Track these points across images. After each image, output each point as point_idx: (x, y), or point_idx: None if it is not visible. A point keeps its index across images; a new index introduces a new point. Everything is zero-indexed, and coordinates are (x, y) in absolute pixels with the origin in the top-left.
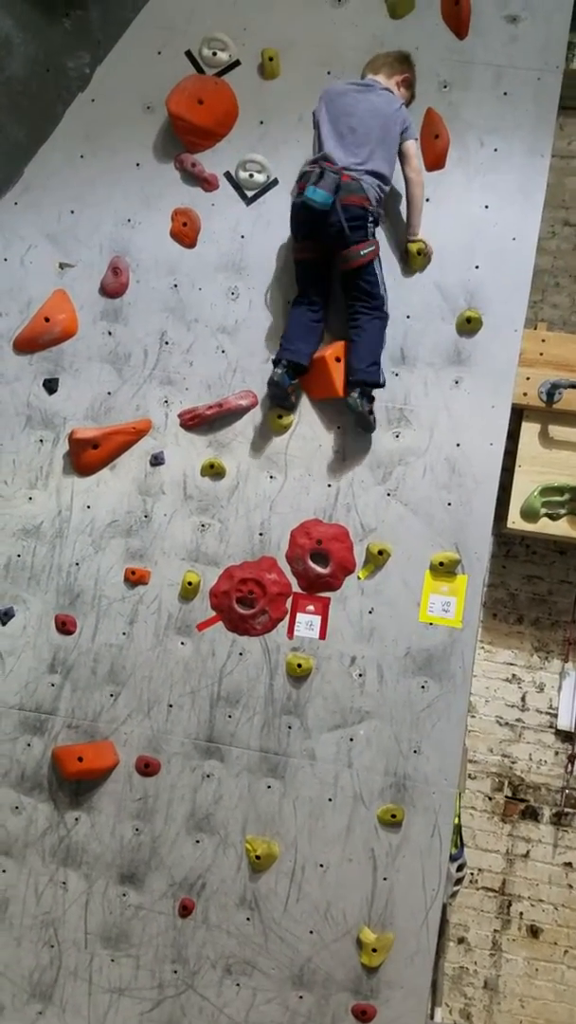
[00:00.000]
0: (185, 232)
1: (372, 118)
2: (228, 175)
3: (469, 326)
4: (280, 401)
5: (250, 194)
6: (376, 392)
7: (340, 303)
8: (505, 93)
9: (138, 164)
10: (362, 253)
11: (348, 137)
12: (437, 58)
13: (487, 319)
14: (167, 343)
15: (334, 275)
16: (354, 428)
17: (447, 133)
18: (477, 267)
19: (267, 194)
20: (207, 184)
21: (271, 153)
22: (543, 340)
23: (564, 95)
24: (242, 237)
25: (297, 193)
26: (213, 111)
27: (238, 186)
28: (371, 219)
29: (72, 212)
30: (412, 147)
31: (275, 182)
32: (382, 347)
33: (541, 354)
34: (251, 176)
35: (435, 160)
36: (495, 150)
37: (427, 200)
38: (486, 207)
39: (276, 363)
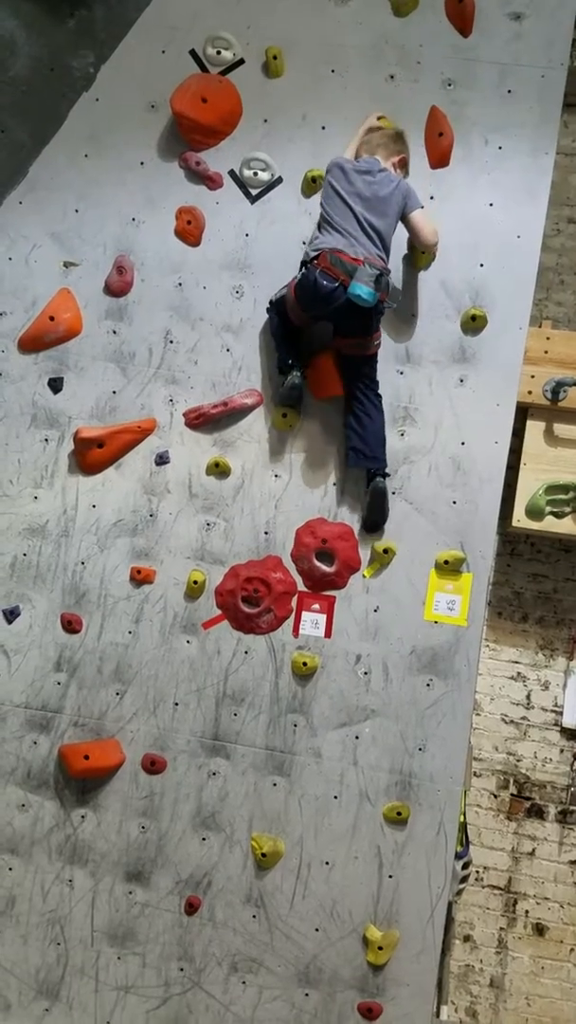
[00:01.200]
0: (189, 231)
1: (381, 204)
2: (232, 173)
3: (474, 324)
4: (294, 403)
5: (254, 192)
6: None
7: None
8: (509, 91)
9: (142, 163)
10: (376, 343)
11: (364, 225)
12: (441, 56)
13: (492, 317)
14: (172, 342)
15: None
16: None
17: (451, 131)
18: (482, 265)
19: (271, 192)
20: (211, 182)
21: (275, 151)
22: (548, 338)
23: (568, 92)
24: (246, 235)
25: (323, 273)
26: (217, 109)
27: (242, 184)
28: (385, 308)
29: (76, 211)
30: (419, 217)
31: (279, 180)
32: (384, 428)
33: (546, 352)
34: (255, 174)
35: (439, 158)
36: (499, 148)
37: (431, 198)
38: (491, 205)
39: (291, 367)
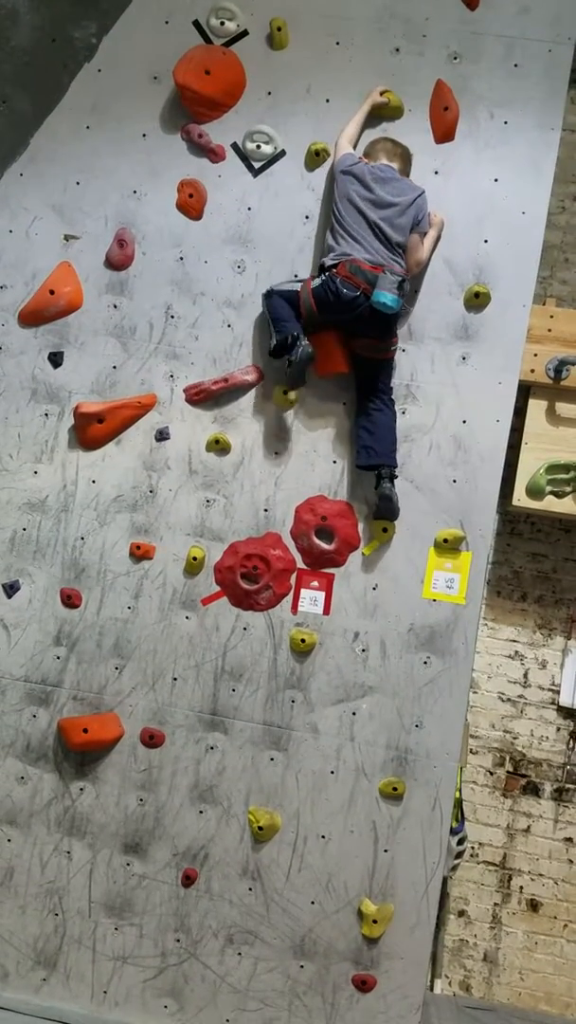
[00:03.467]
0: (191, 204)
1: (397, 213)
2: (235, 146)
3: (477, 301)
4: (298, 381)
5: (257, 165)
6: None
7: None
8: (516, 65)
9: (144, 135)
10: (393, 347)
11: (380, 232)
12: (448, 29)
13: (495, 294)
14: (173, 317)
15: (350, 360)
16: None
17: (456, 105)
18: (486, 241)
19: (274, 166)
20: (214, 155)
21: (279, 124)
22: (551, 316)
23: (575, 68)
24: (249, 209)
25: (344, 282)
26: (220, 81)
27: (245, 157)
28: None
29: (78, 183)
30: (416, 242)
31: (282, 153)
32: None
33: (549, 330)
34: (258, 147)
35: (444, 133)
36: (505, 123)
37: (436, 173)
38: (495, 181)
39: (290, 345)
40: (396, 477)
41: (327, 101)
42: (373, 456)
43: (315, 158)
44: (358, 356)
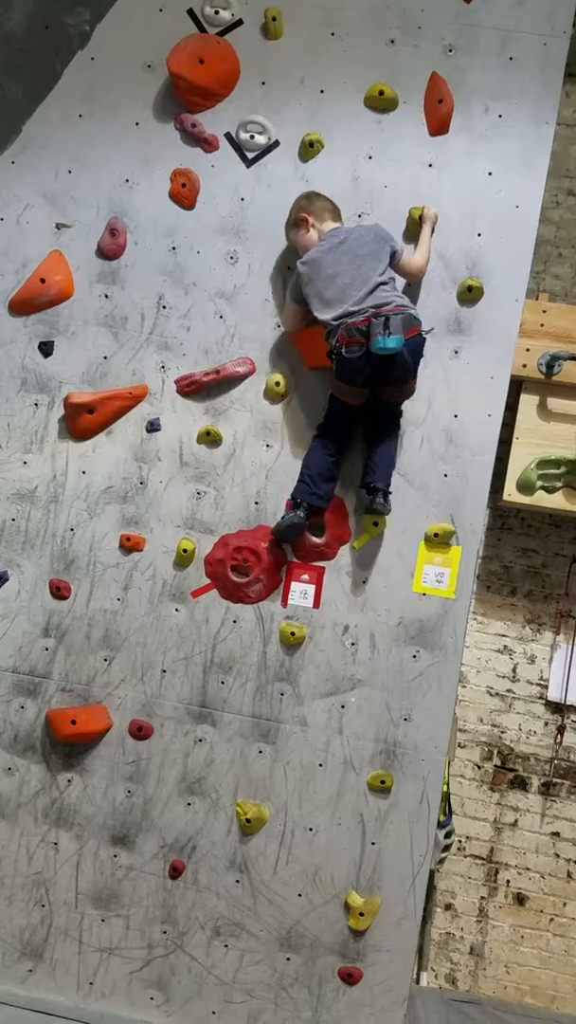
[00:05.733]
0: (184, 193)
1: (368, 259)
2: (229, 136)
3: (470, 295)
4: (288, 538)
5: (251, 156)
6: None
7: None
8: (511, 58)
9: (137, 124)
10: (414, 386)
11: (351, 288)
12: (442, 21)
13: (488, 288)
14: (164, 307)
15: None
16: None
17: (451, 98)
18: (479, 235)
19: (268, 156)
20: (207, 145)
21: (273, 115)
22: (544, 311)
23: (571, 61)
24: (242, 200)
25: (347, 348)
26: (214, 71)
27: (239, 147)
28: (424, 339)
29: (70, 172)
30: (407, 257)
31: (276, 144)
32: (396, 452)
33: (542, 325)
34: (252, 138)
35: (438, 125)
36: (499, 116)
37: (430, 166)
38: (489, 174)
39: (296, 504)
40: (390, 494)
41: (321, 92)
42: (371, 476)
43: (309, 149)
44: (379, 400)
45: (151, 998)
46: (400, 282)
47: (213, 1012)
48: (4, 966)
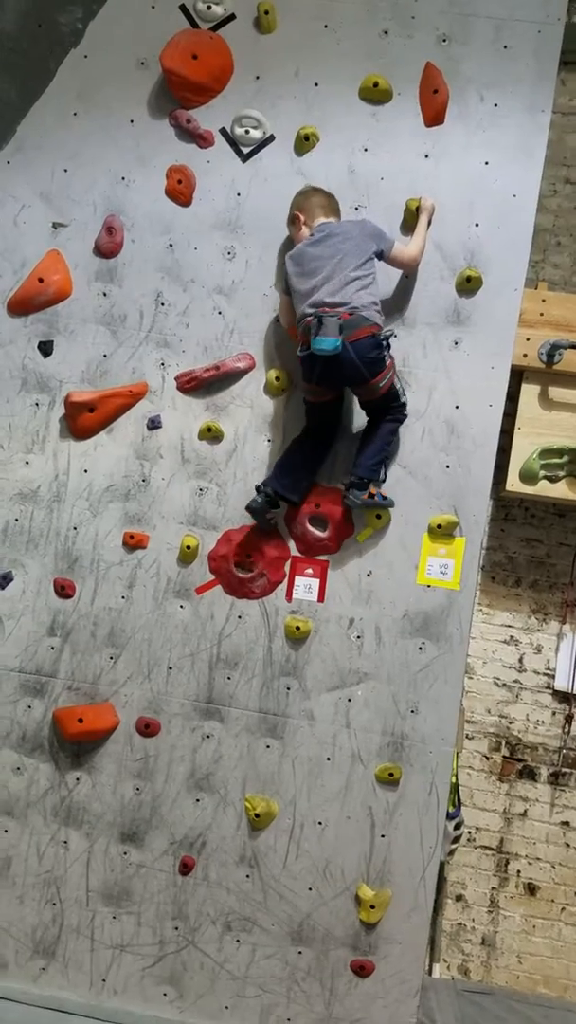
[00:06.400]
0: (180, 190)
1: (347, 256)
2: (224, 131)
3: (469, 285)
4: (261, 525)
5: (246, 151)
6: None
7: (344, 446)
8: (505, 47)
9: (132, 121)
10: (381, 384)
11: (328, 280)
12: (436, 10)
13: (487, 278)
14: (163, 304)
15: (347, 407)
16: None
17: (446, 88)
18: (477, 225)
19: (263, 150)
20: (202, 141)
21: (267, 109)
22: (543, 300)
23: (565, 49)
24: (238, 195)
25: (300, 347)
26: (208, 66)
27: (234, 143)
28: (383, 341)
29: (65, 171)
30: (398, 248)
31: (271, 138)
32: (390, 445)
33: (541, 314)
34: (247, 132)
35: (434, 116)
36: (495, 105)
37: (426, 156)
38: (486, 163)
39: (259, 489)
40: (367, 486)
41: (316, 85)
42: (353, 470)
43: (304, 143)
44: (361, 401)
45: (164, 994)
46: (395, 274)
47: (226, 1007)
48: (17, 965)
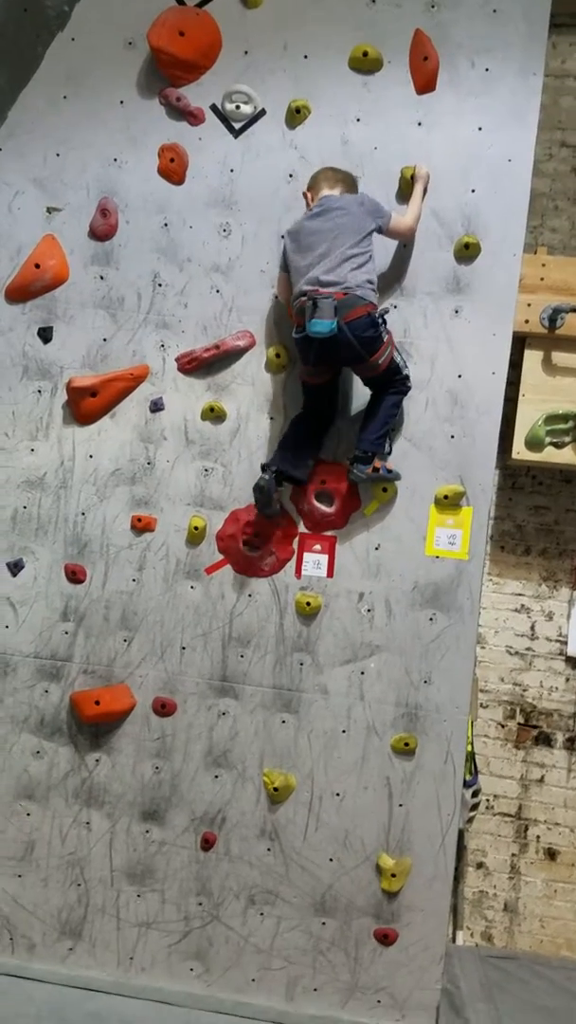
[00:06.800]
0: (173, 168)
1: (344, 232)
2: (214, 108)
3: (467, 252)
4: (264, 506)
5: (237, 126)
6: None
7: (346, 423)
8: (495, 11)
9: (122, 102)
10: (380, 361)
11: (325, 257)
12: None
13: (485, 244)
14: (160, 285)
15: (346, 384)
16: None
17: (436, 55)
18: (473, 191)
19: (255, 125)
20: (193, 118)
21: (257, 83)
22: (543, 265)
23: (555, 12)
24: (231, 171)
25: (295, 328)
26: (196, 43)
27: (225, 119)
28: (379, 319)
29: (57, 155)
30: (395, 219)
31: (262, 113)
32: (394, 418)
33: (542, 279)
34: (237, 108)
35: (425, 83)
36: (486, 70)
37: (419, 124)
38: (479, 129)
39: (264, 468)
40: (371, 460)
41: (305, 57)
42: (356, 444)
43: (296, 115)
44: (363, 378)
45: (191, 969)
46: (392, 244)
47: (253, 979)
48: (45, 946)
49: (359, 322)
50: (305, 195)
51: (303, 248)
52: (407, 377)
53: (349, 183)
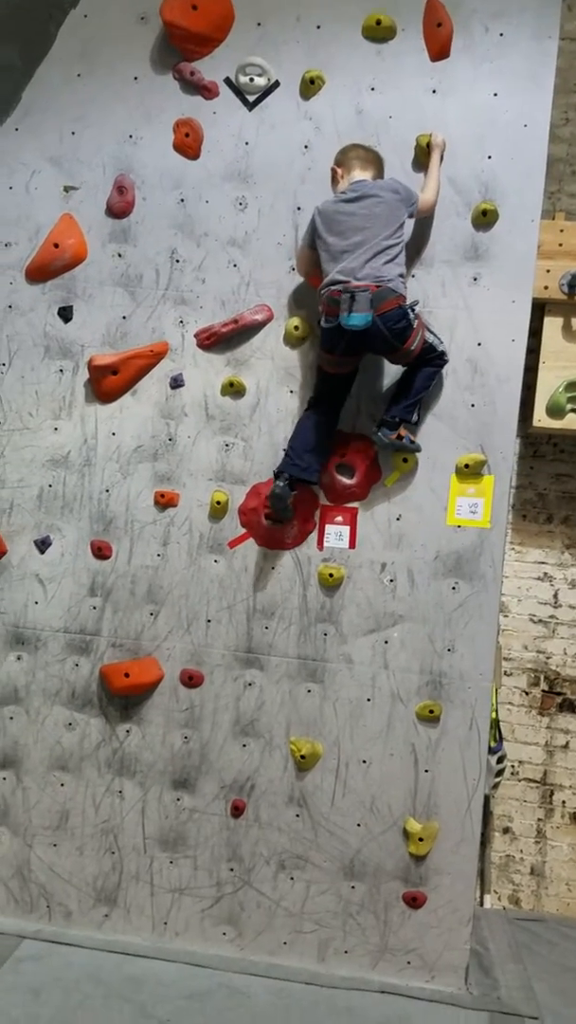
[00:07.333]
0: (188, 143)
1: (378, 220)
2: (228, 81)
3: (485, 219)
4: (280, 512)
5: (251, 99)
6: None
7: (370, 399)
8: None
9: (136, 78)
10: (413, 348)
11: (360, 247)
12: None
13: (503, 211)
14: (178, 261)
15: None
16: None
17: (450, 20)
18: (490, 157)
19: (269, 97)
20: (207, 92)
21: (271, 55)
22: (561, 230)
23: None
24: (246, 144)
25: (325, 318)
26: (208, 16)
27: (239, 91)
28: (410, 309)
29: (73, 133)
30: (421, 200)
31: (276, 84)
32: (427, 390)
33: (560, 245)
34: (251, 80)
35: (439, 50)
36: (501, 35)
37: (433, 92)
38: (495, 95)
39: (278, 475)
40: (397, 426)
41: (318, 27)
42: (385, 410)
43: (310, 86)
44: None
45: (223, 933)
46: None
47: (284, 943)
48: (81, 913)
49: (391, 314)
50: (334, 170)
51: (335, 232)
52: (443, 353)
53: (379, 165)
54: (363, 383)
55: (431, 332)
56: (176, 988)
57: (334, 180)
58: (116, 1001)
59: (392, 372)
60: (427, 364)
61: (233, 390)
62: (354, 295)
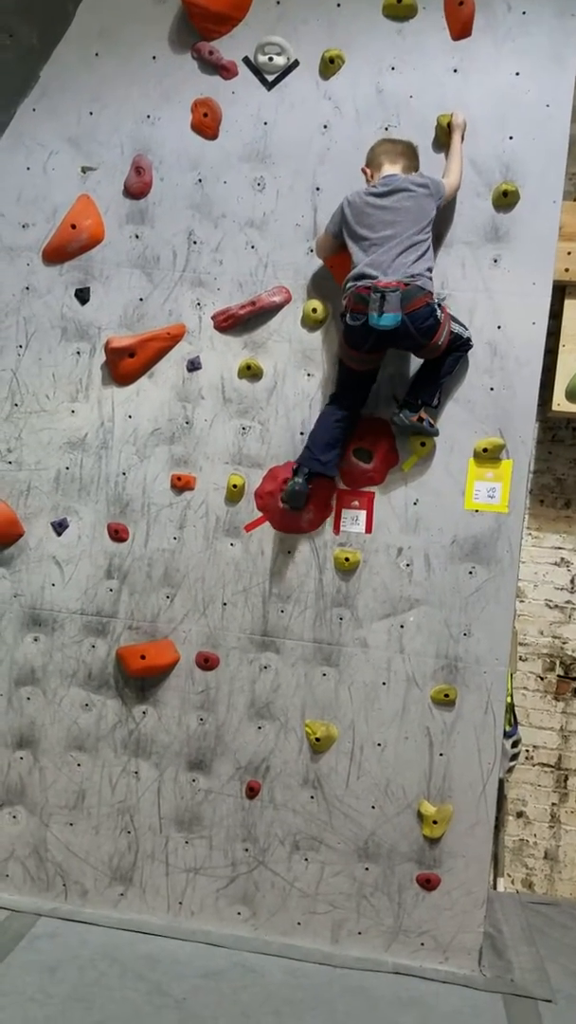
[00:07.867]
0: (207, 123)
1: (408, 215)
2: (247, 60)
3: (506, 200)
4: (297, 505)
5: (270, 78)
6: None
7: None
8: None
9: (154, 57)
10: (440, 343)
11: (390, 241)
12: None
13: (524, 192)
14: (195, 242)
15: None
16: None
17: None
18: (511, 138)
19: (288, 77)
20: (226, 72)
21: (290, 34)
22: None
23: None
24: (265, 124)
25: (351, 314)
26: None
27: (258, 71)
28: (437, 304)
29: (91, 113)
30: (451, 193)
31: (296, 64)
32: (451, 374)
33: None
34: (270, 60)
35: (461, 29)
36: (523, 13)
37: (455, 71)
38: (517, 74)
39: (296, 471)
40: (418, 408)
41: (338, 6)
42: (408, 391)
43: (329, 65)
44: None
45: (238, 913)
46: None
47: (298, 923)
48: (97, 891)
49: (420, 312)
50: (364, 171)
51: (365, 224)
52: (468, 339)
53: (410, 155)
54: (385, 364)
55: (456, 321)
56: (191, 967)
57: (365, 179)
58: (131, 979)
59: (416, 360)
60: (457, 352)
61: (250, 373)
62: (384, 295)
